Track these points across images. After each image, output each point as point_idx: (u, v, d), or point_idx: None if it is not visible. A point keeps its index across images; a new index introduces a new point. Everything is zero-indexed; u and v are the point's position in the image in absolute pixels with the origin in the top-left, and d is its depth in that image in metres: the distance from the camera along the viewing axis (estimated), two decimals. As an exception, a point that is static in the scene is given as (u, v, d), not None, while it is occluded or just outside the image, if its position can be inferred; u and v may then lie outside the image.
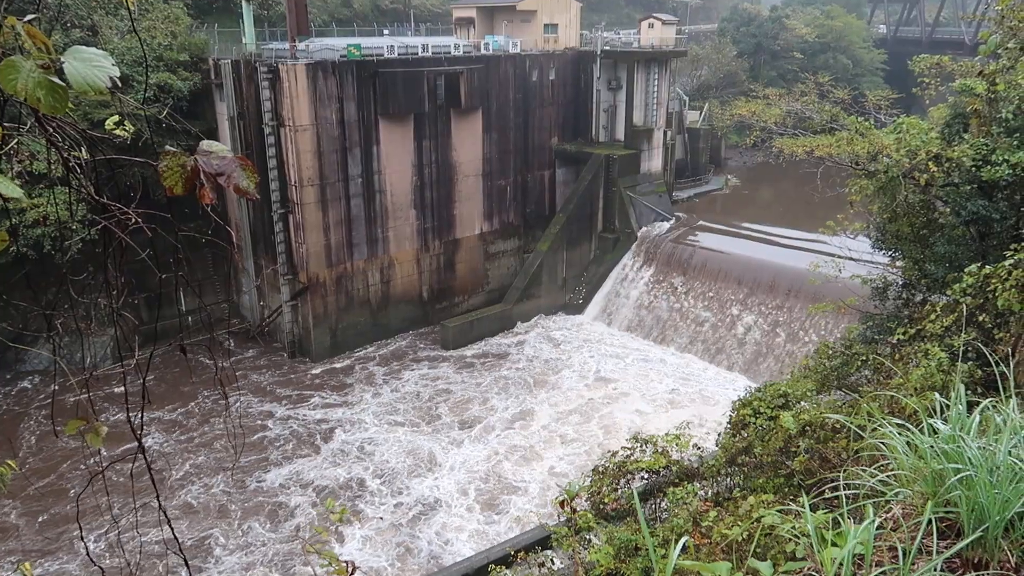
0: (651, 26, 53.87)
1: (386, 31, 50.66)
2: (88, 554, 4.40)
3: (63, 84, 2.70)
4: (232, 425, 32.22)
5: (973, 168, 15.15)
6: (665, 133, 52.79)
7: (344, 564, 4.52)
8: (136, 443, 3.67)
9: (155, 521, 24.31)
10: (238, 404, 34.70)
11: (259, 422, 35.17)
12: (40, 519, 28.11)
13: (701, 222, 50.56)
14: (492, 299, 48.40)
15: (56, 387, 35.21)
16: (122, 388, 3.67)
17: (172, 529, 4.21)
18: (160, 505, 3.95)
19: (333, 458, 32.58)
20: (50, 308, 4.37)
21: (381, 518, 28.64)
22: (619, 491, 15.72)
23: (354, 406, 36.95)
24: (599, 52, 49.03)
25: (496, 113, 45.90)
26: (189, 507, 29.10)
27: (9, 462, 5.31)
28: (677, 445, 16.25)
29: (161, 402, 35.31)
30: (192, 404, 35.94)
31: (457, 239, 46.80)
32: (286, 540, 27.26)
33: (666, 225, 49.26)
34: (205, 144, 3.09)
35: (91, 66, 2.81)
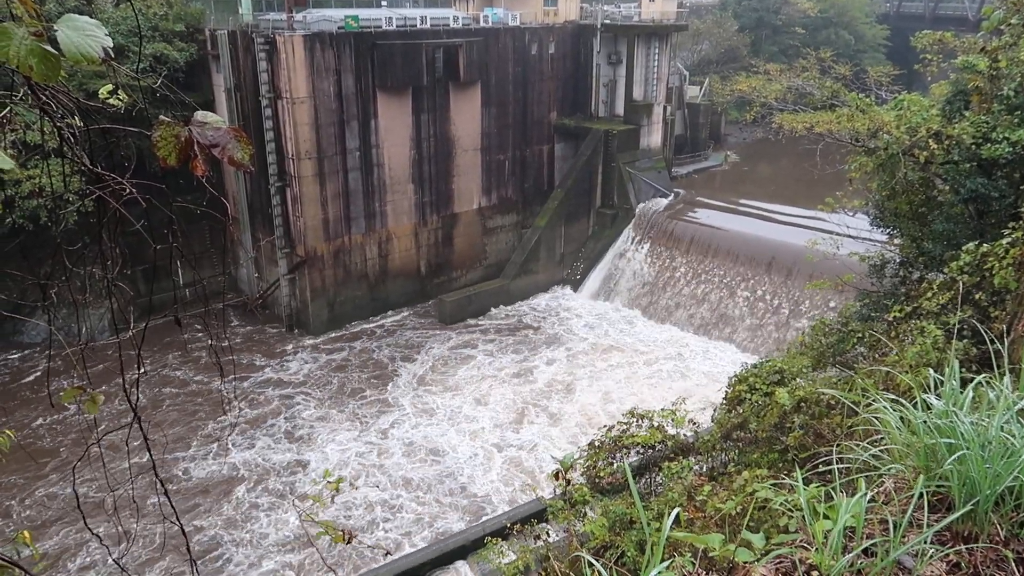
0: (652, -1, 53.33)
1: (384, 2, 50.00)
2: (86, 524, 4.44)
3: (56, 52, 2.67)
4: (225, 397, 32.38)
5: (973, 146, 15.08)
6: (665, 108, 52.46)
7: (341, 532, 4.56)
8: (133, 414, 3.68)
9: (141, 489, 24.50)
10: (233, 381, 34.79)
11: (252, 394, 35.37)
12: (36, 488, 28.32)
13: (700, 198, 50.44)
14: (490, 274, 48.38)
15: (50, 357, 35.33)
16: (118, 360, 3.67)
17: (170, 500, 4.24)
18: (157, 475, 3.97)
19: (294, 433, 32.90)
20: (46, 279, 4.36)
21: (376, 486, 28.91)
22: (615, 465, 15.85)
23: (315, 380, 37.16)
24: (599, 26, 48.54)
25: (495, 87, 45.54)
26: (177, 478, 29.39)
27: (7, 431, 5.33)
28: (673, 420, 16.36)
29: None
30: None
31: (455, 214, 46.66)
32: (273, 508, 27.53)
33: (664, 201, 49.13)
34: (200, 115, 3.06)
35: (84, 35, 2.78)
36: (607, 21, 49.25)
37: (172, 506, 4.01)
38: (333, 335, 41.63)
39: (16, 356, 37.74)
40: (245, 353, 39.14)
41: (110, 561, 23.82)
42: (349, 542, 4.60)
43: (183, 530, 4.64)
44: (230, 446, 31.29)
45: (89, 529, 4.53)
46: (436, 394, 35.98)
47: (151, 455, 4.16)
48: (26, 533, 4.99)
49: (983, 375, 4.10)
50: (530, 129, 48.53)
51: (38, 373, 36.21)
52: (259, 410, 34.19)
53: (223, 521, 27.11)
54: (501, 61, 45.41)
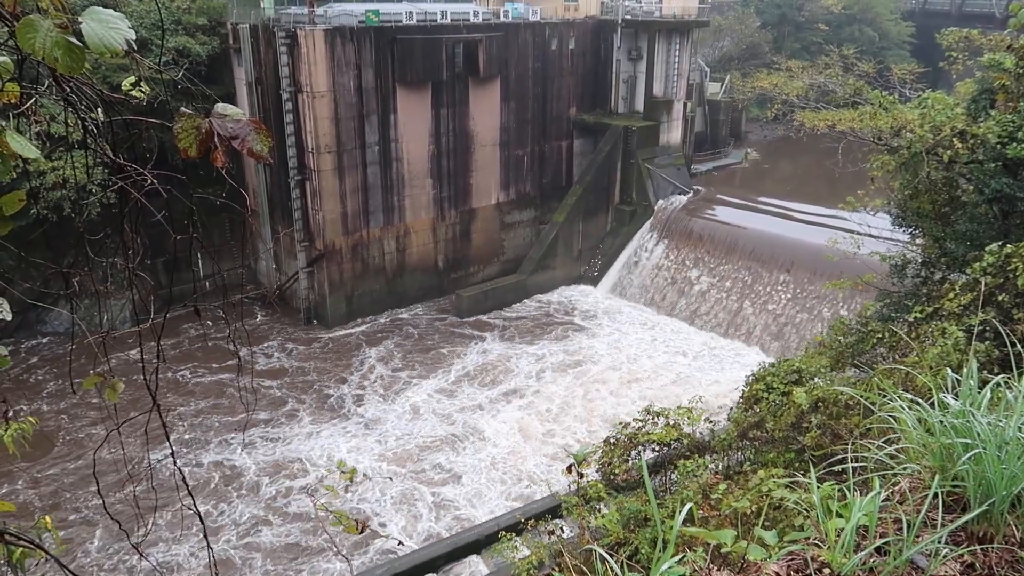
0: (674, -5, 52.93)
1: (405, -3, 50.12)
2: (106, 510, 4.53)
3: (80, 44, 2.72)
4: (243, 389, 32.64)
5: (998, 145, 14.88)
6: (685, 105, 52.14)
7: (355, 522, 4.60)
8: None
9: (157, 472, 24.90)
10: (250, 373, 35.07)
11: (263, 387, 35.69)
12: (48, 473, 28.79)
13: (719, 196, 50.11)
14: (507, 269, 48.39)
15: (73, 346, 35.80)
16: (137, 349, 3.73)
17: (187, 486, 4.30)
18: (175, 462, 4.03)
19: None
20: (69, 268, 4.44)
21: (390, 478, 29.10)
22: (630, 462, 15.82)
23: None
24: (620, 21, 48.32)
25: (514, 82, 45.51)
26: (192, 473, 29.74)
27: (30, 418, 5.43)
28: (689, 418, 16.30)
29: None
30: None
31: (473, 209, 46.71)
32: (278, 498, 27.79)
33: (684, 198, 48.86)
34: (220, 107, 3.10)
35: (108, 28, 2.82)
36: (628, 16, 48.98)
37: (189, 492, 4.07)
38: (355, 325, 41.94)
39: (38, 342, 38.37)
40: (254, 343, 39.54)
41: (128, 544, 24.23)
42: (362, 532, 4.65)
43: (200, 517, 4.71)
44: (240, 439, 31.63)
45: (110, 515, 4.61)
46: (430, 383, 36.14)
47: (170, 443, 4.23)
48: (47, 519, 5.09)
49: (1001, 376, 4.07)
50: (549, 124, 48.46)
51: (35, 360, 36.76)
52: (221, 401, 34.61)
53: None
54: (521, 56, 45.37)
